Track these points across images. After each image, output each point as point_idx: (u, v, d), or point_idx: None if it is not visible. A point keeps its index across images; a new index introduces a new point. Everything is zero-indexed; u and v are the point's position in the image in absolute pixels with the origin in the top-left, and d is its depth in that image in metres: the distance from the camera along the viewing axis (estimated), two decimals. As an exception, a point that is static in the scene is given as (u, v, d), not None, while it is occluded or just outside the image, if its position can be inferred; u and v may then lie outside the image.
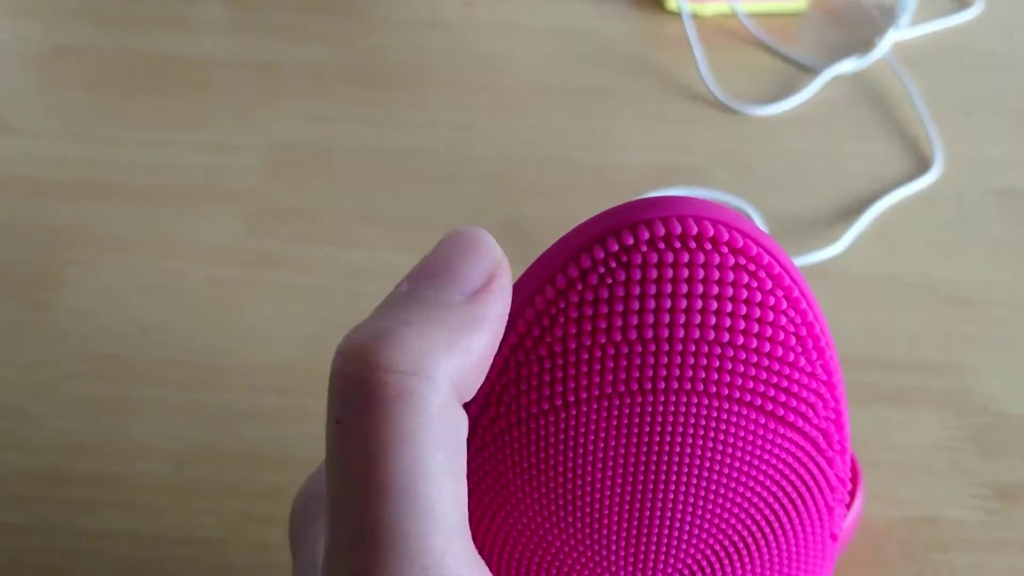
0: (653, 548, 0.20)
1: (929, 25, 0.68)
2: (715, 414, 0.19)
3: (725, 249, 0.18)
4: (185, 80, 0.60)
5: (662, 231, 0.18)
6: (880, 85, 0.63)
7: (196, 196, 0.51)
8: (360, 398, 0.17)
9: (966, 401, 0.43)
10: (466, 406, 0.19)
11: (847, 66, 0.63)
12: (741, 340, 0.18)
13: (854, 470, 0.37)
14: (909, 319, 0.47)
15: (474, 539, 0.19)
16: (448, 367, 0.17)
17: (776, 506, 0.20)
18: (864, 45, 0.66)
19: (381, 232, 0.50)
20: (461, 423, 0.18)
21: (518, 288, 0.19)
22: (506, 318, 0.19)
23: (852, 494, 0.37)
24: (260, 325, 0.45)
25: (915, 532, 0.38)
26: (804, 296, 0.19)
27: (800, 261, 0.49)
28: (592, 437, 0.19)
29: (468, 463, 0.19)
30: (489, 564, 0.20)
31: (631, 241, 0.18)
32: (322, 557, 0.18)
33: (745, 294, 0.18)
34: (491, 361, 0.19)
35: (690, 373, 0.18)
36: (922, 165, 0.56)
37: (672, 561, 0.20)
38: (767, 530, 0.20)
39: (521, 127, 0.57)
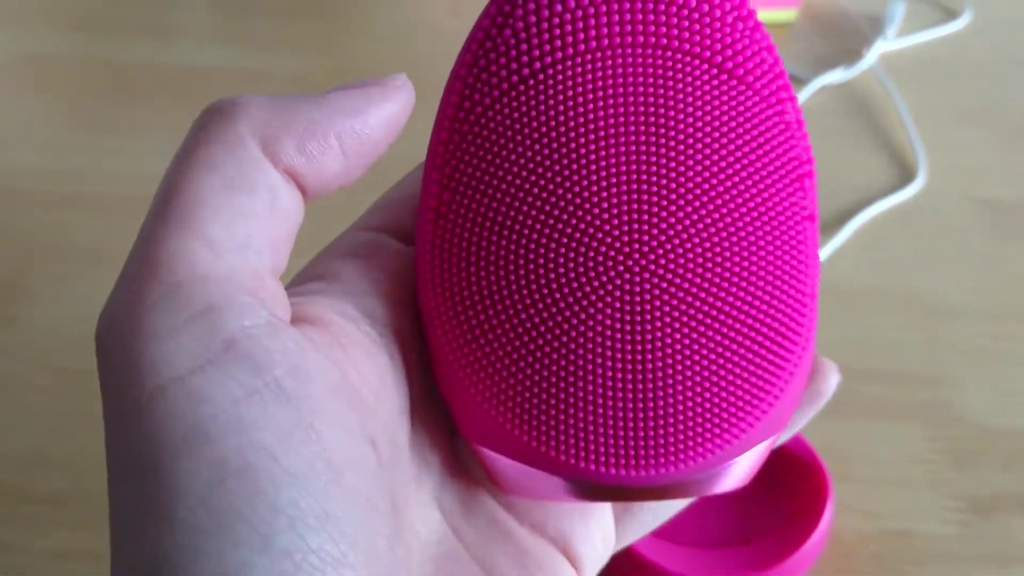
0: (637, 217, 0.21)
1: (916, 36, 0.68)
2: (670, 65, 0.21)
3: None
4: (163, 88, 0.59)
5: None
6: (867, 95, 0.63)
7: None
8: (188, 132, 0.20)
9: (944, 413, 0.43)
10: (443, 110, 0.22)
11: (834, 76, 0.63)
12: (681, 0, 0.21)
13: (823, 480, 0.37)
14: (890, 330, 0.47)
15: (464, 241, 0.21)
16: (258, 118, 0.19)
17: (740, 168, 0.21)
18: (851, 55, 0.66)
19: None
20: (266, 175, 0.19)
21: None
22: (390, 117, 0.21)
23: (821, 506, 0.36)
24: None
25: (889, 545, 0.38)
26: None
27: (780, 272, 0.48)
28: (562, 97, 0.21)
29: (449, 160, 0.21)
30: (474, 259, 0.21)
31: None
32: None
33: None
34: (366, 151, 0.21)
35: (640, 28, 0.20)
36: (906, 175, 0.56)
37: (658, 234, 0.21)
38: (736, 194, 0.21)
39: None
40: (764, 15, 0.69)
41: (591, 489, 0.22)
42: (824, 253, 0.50)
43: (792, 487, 0.38)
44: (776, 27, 0.69)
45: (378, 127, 0.21)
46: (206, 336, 0.17)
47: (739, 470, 0.22)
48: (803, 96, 0.61)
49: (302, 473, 0.17)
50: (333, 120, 0.20)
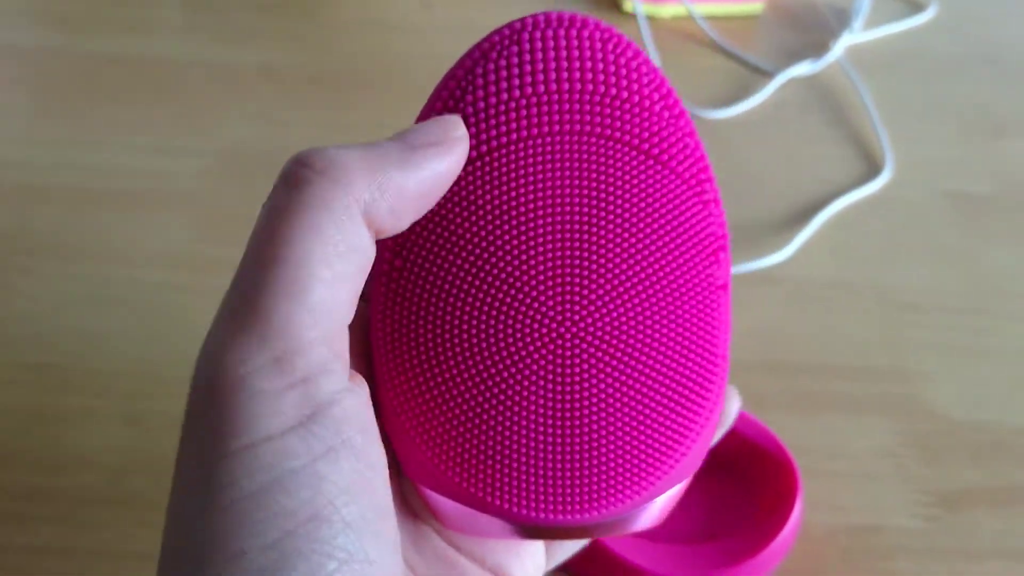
0: (571, 281, 0.23)
1: (883, 28, 0.68)
2: (603, 151, 0.23)
3: (593, 27, 0.24)
4: (136, 82, 0.59)
5: (542, 19, 0.24)
6: (833, 88, 0.63)
7: (144, 201, 0.51)
8: (279, 184, 0.20)
9: (912, 407, 0.43)
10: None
11: (801, 69, 0.64)
12: (614, 91, 0.23)
13: (792, 476, 0.38)
14: (857, 325, 0.47)
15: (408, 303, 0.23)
16: (359, 183, 0.20)
17: (662, 244, 0.23)
18: (818, 48, 0.66)
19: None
20: (360, 238, 0.20)
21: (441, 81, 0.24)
22: (444, 175, 0.22)
23: (790, 501, 0.37)
24: (203, 333, 0.44)
25: (857, 540, 0.38)
26: (658, 69, 0.24)
27: (750, 266, 0.49)
28: (506, 177, 0.23)
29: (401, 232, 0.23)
30: (418, 319, 0.23)
31: (518, 26, 0.24)
32: None
33: (612, 57, 0.23)
34: (419, 205, 0.22)
35: (577, 117, 0.23)
36: (873, 169, 0.57)
37: (587, 304, 0.23)
38: (656, 268, 0.23)
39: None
40: (731, 7, 0.69)
41: (525, 529, 0.25)
42: (791, 247, 0.50)
43: (762, 483, 0.38)
44: (743, 19, 0.69)
45: (445, 182, 0.23)
46: (301, 403, 0.19)
47: (655, 510, 0.25)
48: (770, 89, 0.62)
49: (356, 522, 0.19)
50: (418, 184, 0.22)
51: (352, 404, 0.20)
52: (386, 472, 0.21)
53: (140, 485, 0.38)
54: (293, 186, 0.20)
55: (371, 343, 0.25)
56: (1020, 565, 0.38)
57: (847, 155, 0.58)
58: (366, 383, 0.22)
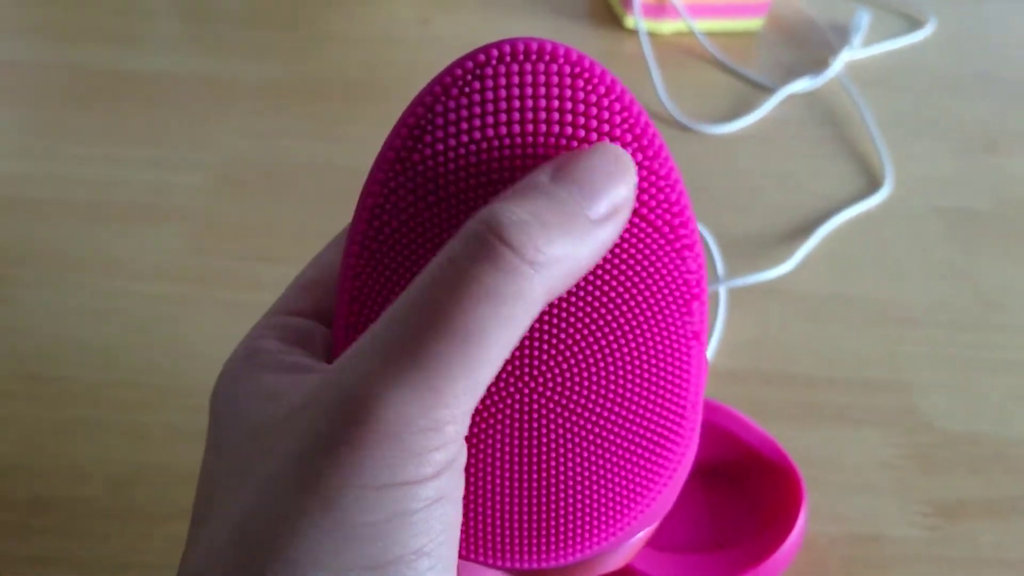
0: (536, 335, 0.22)
1: (882, 45, 0.69)
2: None
3: (563, 60, 0.21)
4: (134, 96, 0.59)
5: (508, 49, 0.21)
6: (833, 104, 0.63)
7: (142, 213, 0.51)
8: (480, 254, 0.19)
9: (910, 419, 0.44)
10: (356, 224, 0.22)
11: (801, 85, 0.64)
12: (583, 133, 0.22)
13: (797, 487, 0.38)
14: (856, 338, 0.47)
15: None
16: (554, 272, 0.20)
17: (628, 297, 0.23)
18: (818, 64, 0.66)
19: (331, 250, 0.49)
20: (531, 319, 0.20)
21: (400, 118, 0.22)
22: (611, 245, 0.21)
23: (795, 511, 0.37)
24: (204, 344, 0.44)
25: (857, 550, 0.38)
26: (635, 104, 0.22)
27: (752, 279, 0.49)
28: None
29: (359, 274, 0.23)
30: None
31: (483, 59, 0.22)
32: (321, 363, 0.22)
33: (582, 95, 0.22)
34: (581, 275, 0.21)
35: (536, 163, 0.22)
36: (872, 184, 0.57)
37: (555, 355, 0.23)
38: (625, 320, 0.23)
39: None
40: (731, 24, 0.70)
41: (514, 573, 0.25)
42: (792, 261, 0.51)
43: (767, 492, 0.38)
44: (743, 36, 0.70)
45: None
46: (439, 462, 0.19)
47: (626, 551, 0.25)
48: (770, 105, 0.62)
49: (448, 563, 0.20)
50: (587, 268, 0.21)
51: (461, 462, 0.20)
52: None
53: (141, 496, 0.38)
54: (504, 270, 0.19)
55: None
56: (1018, 575, 0.38)
57: (846, 170, 0.58)
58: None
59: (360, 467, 0.18)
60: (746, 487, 0.39)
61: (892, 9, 0.74)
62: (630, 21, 0.68)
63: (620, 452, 0.23)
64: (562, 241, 0.20)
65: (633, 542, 0.25)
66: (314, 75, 0.62)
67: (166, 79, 0.61)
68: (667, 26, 0.68)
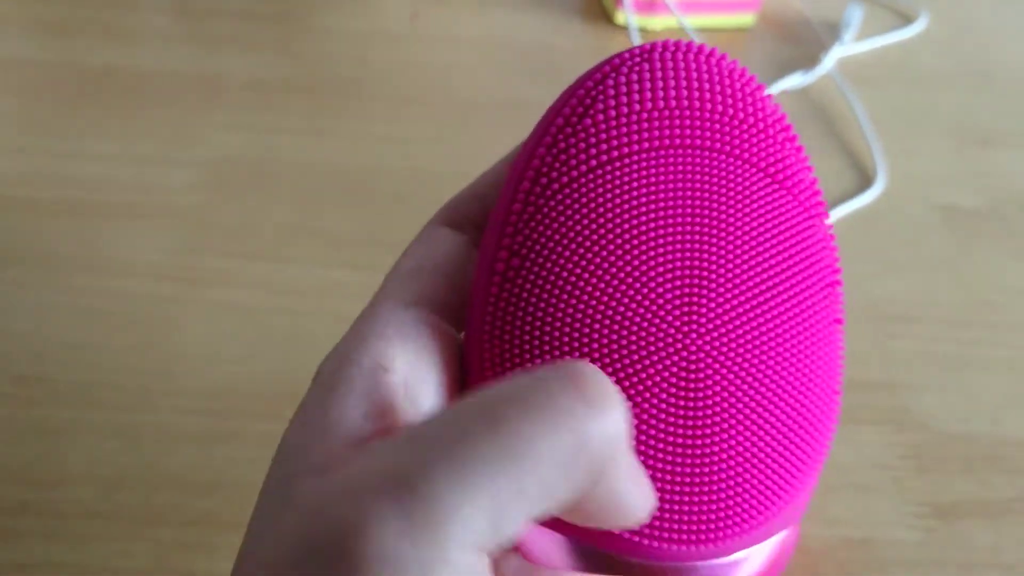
0: (692, 302, 0.22)
1: (873, 41, 0.69)
2: (727, 168, 0.23)
3: (720, 56, 0.24)
4: (123, 92, 0.58)
5: (672, 43, 0.24)
6: (825, 101, 0.63)
7: (130, 211, 0.50)
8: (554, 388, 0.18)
9: (905, 419, 0.43)
10: (516, 184, 0.23)
11: (793, 81, 0.64)
12: (741, 115, 0.23)
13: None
14: (849, 337, 0.47)
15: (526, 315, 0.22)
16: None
17: (786, 267, 0.23)
18: (809, 60, 0.66)
19: (319, 247, 0.49)
20: None
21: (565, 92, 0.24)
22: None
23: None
24: (193, 344, 0.44)
25: (853, 552, 0.38)
26: (778, 105, 0.24)
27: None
28: (632, 186, 0.23)
29: (522, 230, 0.23)
30: (543, 334, 0.22)
31: (649, 47, 0.24)
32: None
33: (739, 84, 0.23)
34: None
35: (706, 134, 0.23)
36: (865, 181, 0.57)
37: (711, 321, 0.22)
38: (781, 288, 0.23)
39: (465, 141, 0.57)
40: (722, 20, 0.69)
41: (607, 562, 0.23)
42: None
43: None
44: (734, 32, 0.70)
45: None
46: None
47: (753, 563, 0.24)
48: (762, 101, 0.62)
49: None
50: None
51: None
52: None
53: (131, 499, 0.38)
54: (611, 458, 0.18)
55: (465, 353, 0.23)
56: (1015, 578, 0.38)
57: (839, 167, 0.58)
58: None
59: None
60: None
61: (884, 5, 0.74)
62: (621, 17, 0.68)
63: (775, 430, 0.23)
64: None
65: (763, 549, 0.24)
66: (305, 72, 0.61)
67: (156, 76, 0.60)
68: (658, 22, 0.68)
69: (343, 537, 0.16)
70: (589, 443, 0.17)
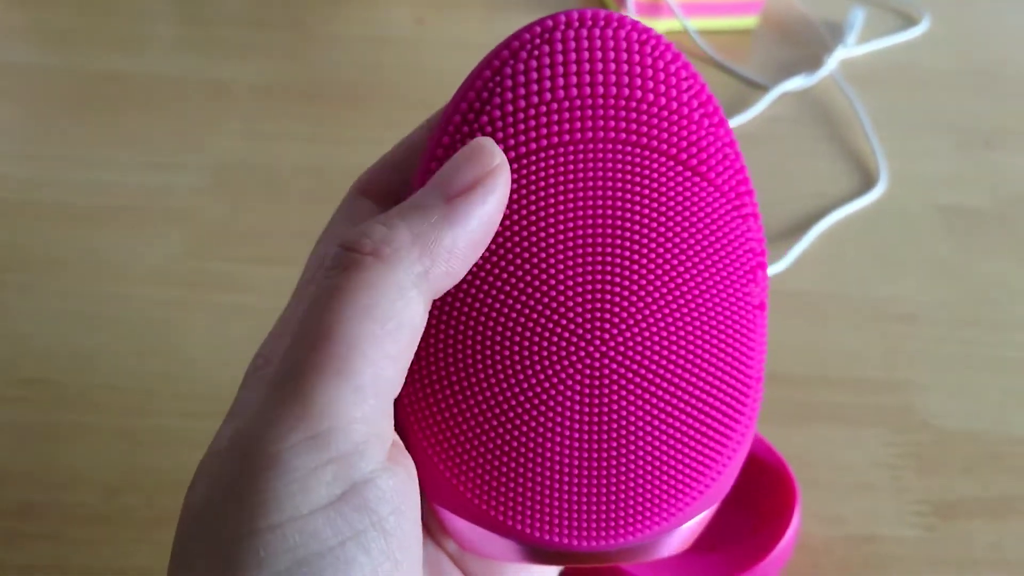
0: (602, 298, 0.22)
1: (876, 43, 0.69)
2: (637, 161, 0.22)
3: (630, 28, 0.22)
4: (129, 98, 0.59)
5: (576, 16, 0.22)
6: (827, 102, 0.63)
7: (137, 217, 0.51)
8: (326, 266, 0.20)
9: (906, 418, 0.43)
10: (418, 187, 0.22)
11: (795, 83, 0.64)
12: (651, 97, 0.22)
13: (791, 488, 0.37)
14: (851, 337, 0.47)
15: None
16: (409, 259, 0.20)
17: (698, 260, 0.22)
18: (812, 62, 0.66)
19: (325, 253, 0.49)
20: (413, 314, 0.20)
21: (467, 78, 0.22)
22: (492, 216, 0.21)
23: (789, 513, 0.37)
24: (198, 348, 0.44)
25: (854, 551, 0.38)
26: (697, 74, 0.22)
27: (744, 279, 0.49)
28: (533, 188, 0.22)
29: None
30: (448, 339, 0.22)
31: (551, 24, 0.22)
32: None
33: (650, 60, 0.22)
34: (472, 254, 0.21)
35: (612, 124, 0.21)
36: (867, 182, 0.57)
37: (619, 322, 0.22)
38: (692, 286, 0.22)
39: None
40: (725, 22, 0.69)
41: (542, 554, 0.24)
42: (785, 260, 0.50)
43: (761, 494, 0.38)
44: (737, 34, 0.70)
45: (495, 223, 0.22)
46: (333, 481, 0.18)
47: (679, 537, 0.24)
48: (764, 103, 0.62)
49: None
50: (468, 237, 0.21)
51: (389, 484, 0.19)
52: (420, 556, 0.20)
53: (134, 502, 0.38)
54: (344, 269, 0.20)
55: None
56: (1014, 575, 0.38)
57: (841, 168, 0.58)
58: (413, 464, 0.21)
59: (254, 506, 0.18)
60: (739, 488, 0.38)
61: (886, 6, 0.74)
62: (624, 20, 0.68)
63: (684, 424, 0.23)
64: (404, 225, 0.20)
65: (691, 525, 0.24)
66: (310, 77, 0.62)
67: (161, 81, 0.60)
68: (661, 24, 0.68)
69: (251, 458, 0.19)
70: (383, 284, 0.20)
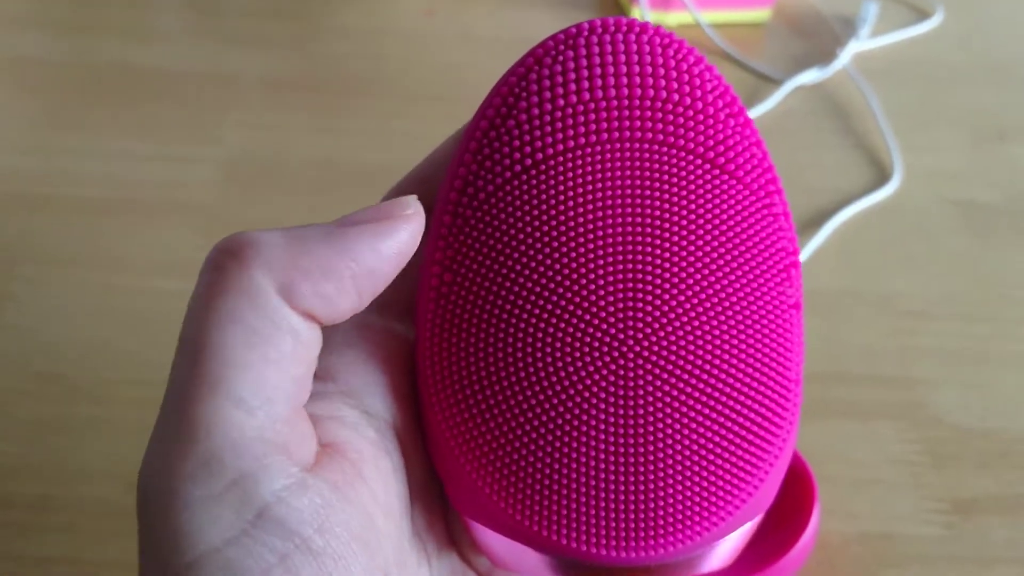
0: (631, 305, 0.21)
1: (889, 36, 0.68)
2: (666, 160, 0.22)
3: (652, 33, 0.22)
4: (138, 90, 0.59)
5: (599, 24, 0.22)
6: (841, 96, 0.63)
7: (148, 209, 0.51)
8: (201, 273, 0.20)
9: (922, 414, 0.43)
10: (446, 193, 0.22)
11: (808, 77, 0.64)
12: (676, 98, 0.22)
13: (810, 485, 0.37)
14: (866, 333, 0.47)
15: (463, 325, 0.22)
16: (275, 264, 0.19)
17: (731, 259, 0.22)
18: (825, 56, 0.66)
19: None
20: (287, 320, 0.19)
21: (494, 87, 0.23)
22: (384, 254, 0.20)
23: (808, 510, 0.36)
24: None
25: (870, 548, 0.38)
26: (721, 76, 0.22)
27: (759, 274, 0.48)
28: (562, 188, 0.21)
29: (452, 243, 0.22)
30: (472, 346, 0.22)
31: (574, 31, 0.22)
32: None
33: (674, 63, 0.22)
34: (347, 287, 0.20)
35: (639, 124, 0.21)
36: (881, 177, 0.57)
37: (652, 322, 0.21)
38: (726, 284, 0.22)
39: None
40: (738, 15, 0.69)
41: (575, 567, 0.23)
42: (801, 255, 0.50)
43: (779, 492, 0.38)
44: (750, 27, 0.69)
45: (390, 261, 0.21)
46: (240, 506, 0.18)
47: (723, 551, 0.24)
48: (777, 97, 0.62)
49: None
50: (347, 260, 0.20)
51: (304, 501, 0.18)
52: (365, 565, 0.19)
53: (150, 494, 0.38)
54: (211, 269, 0.19)
55: (416, 363, 0.23)
56: (1035, 573, 0.38)
57: (855, 163, 0.58)
58: (353, 469, 0.20)
59: (167, 545, 0.18)
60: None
61: (899, 0, 0.73)
62: (636, 13, 0.68)
63: (724, 429, 0.22)
64: (279, 234, 0.19)
65: (733, 539, 0.24)
66: (318, 68, 0.62)
67: (171, 73, 0.60)
68: (673, 18, 0.68)
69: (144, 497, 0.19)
70: (237, 286, 0.19)
